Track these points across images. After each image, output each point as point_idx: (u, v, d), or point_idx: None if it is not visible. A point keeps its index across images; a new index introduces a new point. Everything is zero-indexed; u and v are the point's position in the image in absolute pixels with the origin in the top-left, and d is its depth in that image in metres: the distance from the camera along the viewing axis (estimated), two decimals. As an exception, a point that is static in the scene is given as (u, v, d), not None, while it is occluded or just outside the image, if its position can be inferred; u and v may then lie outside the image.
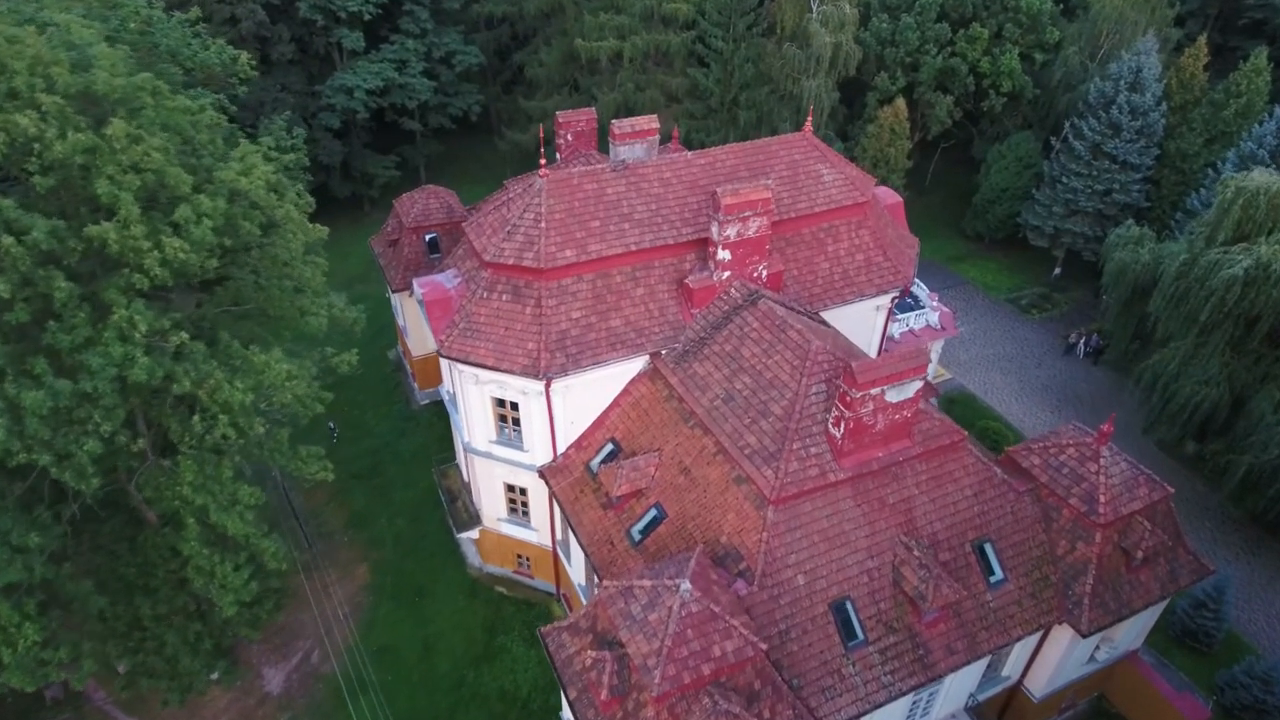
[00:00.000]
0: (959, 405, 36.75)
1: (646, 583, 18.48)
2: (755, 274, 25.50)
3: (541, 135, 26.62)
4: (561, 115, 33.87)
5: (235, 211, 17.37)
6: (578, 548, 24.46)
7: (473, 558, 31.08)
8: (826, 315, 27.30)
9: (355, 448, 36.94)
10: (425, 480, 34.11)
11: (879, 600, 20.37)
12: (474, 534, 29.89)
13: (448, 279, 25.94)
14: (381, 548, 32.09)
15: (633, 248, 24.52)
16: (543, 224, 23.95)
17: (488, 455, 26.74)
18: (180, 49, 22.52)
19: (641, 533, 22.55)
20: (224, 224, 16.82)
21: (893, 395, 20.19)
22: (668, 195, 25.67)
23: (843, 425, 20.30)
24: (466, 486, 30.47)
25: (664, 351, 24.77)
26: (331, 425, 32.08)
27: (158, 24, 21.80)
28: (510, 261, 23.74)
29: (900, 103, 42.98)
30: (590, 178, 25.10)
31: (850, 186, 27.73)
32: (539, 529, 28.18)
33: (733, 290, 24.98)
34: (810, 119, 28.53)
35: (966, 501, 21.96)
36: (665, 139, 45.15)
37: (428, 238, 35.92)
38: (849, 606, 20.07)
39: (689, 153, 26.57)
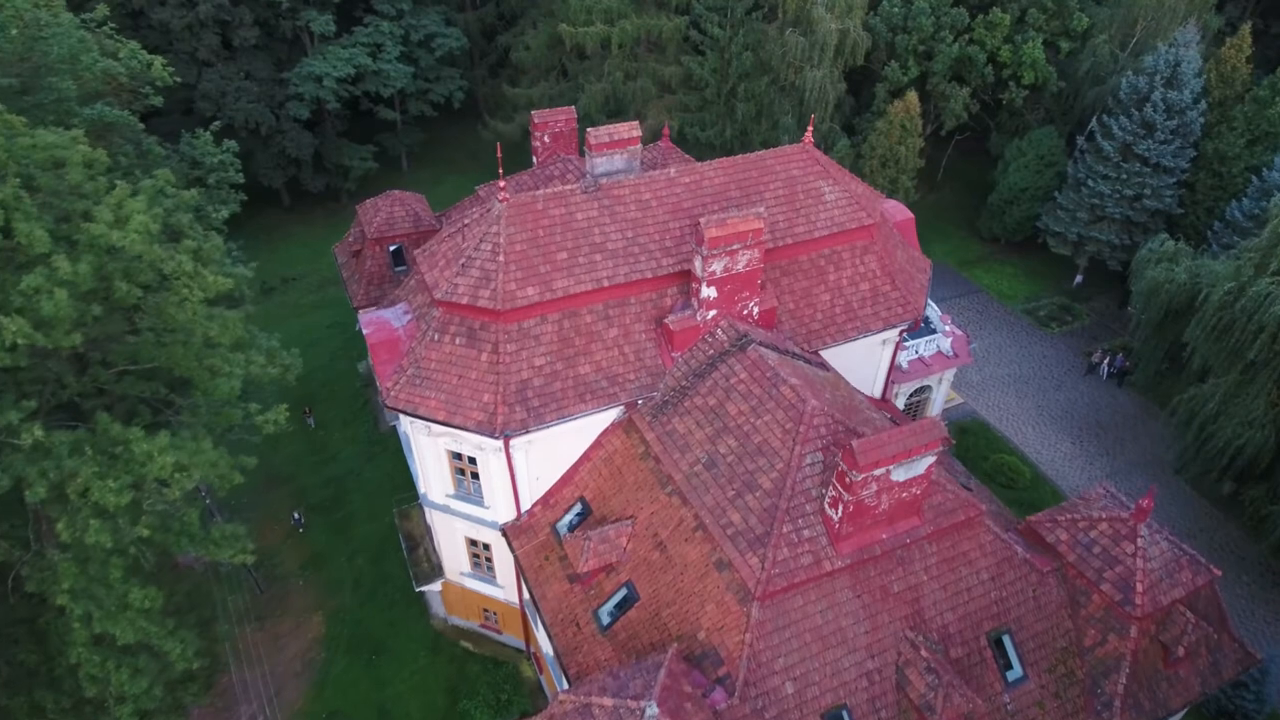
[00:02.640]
0: (970, 434, 33.81)
1: (608, 701, 15.85)
2: (745, 311, 22.48)
3: (500, 153, 23.34)
4: (538, 115, 30.57)
5: (114, 269, 14.43)
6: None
7: (437, 607, 28.53)
8: (827, 353, 24.34)
9: (318, 475, 34.31)
10: (390, 514, 31.45)
11: (880, 708, 17.66)
12: (436, 586, 27.23)
13: (396, 315, 22.98)
14: (339, 593, 29.53)
15: (605, 283, 21.50)
16: (501, 257, 20.92)
17: (446, 509, 24.01)
18: (79, 55, 19.31)
19: (611, 615, 19.84)
20: (95, 286, 13.91)
21: (900, 474, 17.30)
22: (646, 220, 22.57)
23: (841, 507, 17.45)
24: (429, 530, 27.77)
25: (640, 401, 21.85)
26: (297, 515, 29.43)
27: (48, 27, 18.59)
28: (464, 301, 20.76)
29: (912, 97, 39.41)
30: (557, 201, 22.00)
31: (855, 207, 24.57)
32: (505, 586, 25.53)
33: (719, 332, 21.98)
34: (811, 129, 25.27)
35: (982, 587, 19.15)
36: (656, 136, 41.84)
37: (392, 249, 32.83)
38: (845, 718, 17.38)
39: (672, 170, 23.39)
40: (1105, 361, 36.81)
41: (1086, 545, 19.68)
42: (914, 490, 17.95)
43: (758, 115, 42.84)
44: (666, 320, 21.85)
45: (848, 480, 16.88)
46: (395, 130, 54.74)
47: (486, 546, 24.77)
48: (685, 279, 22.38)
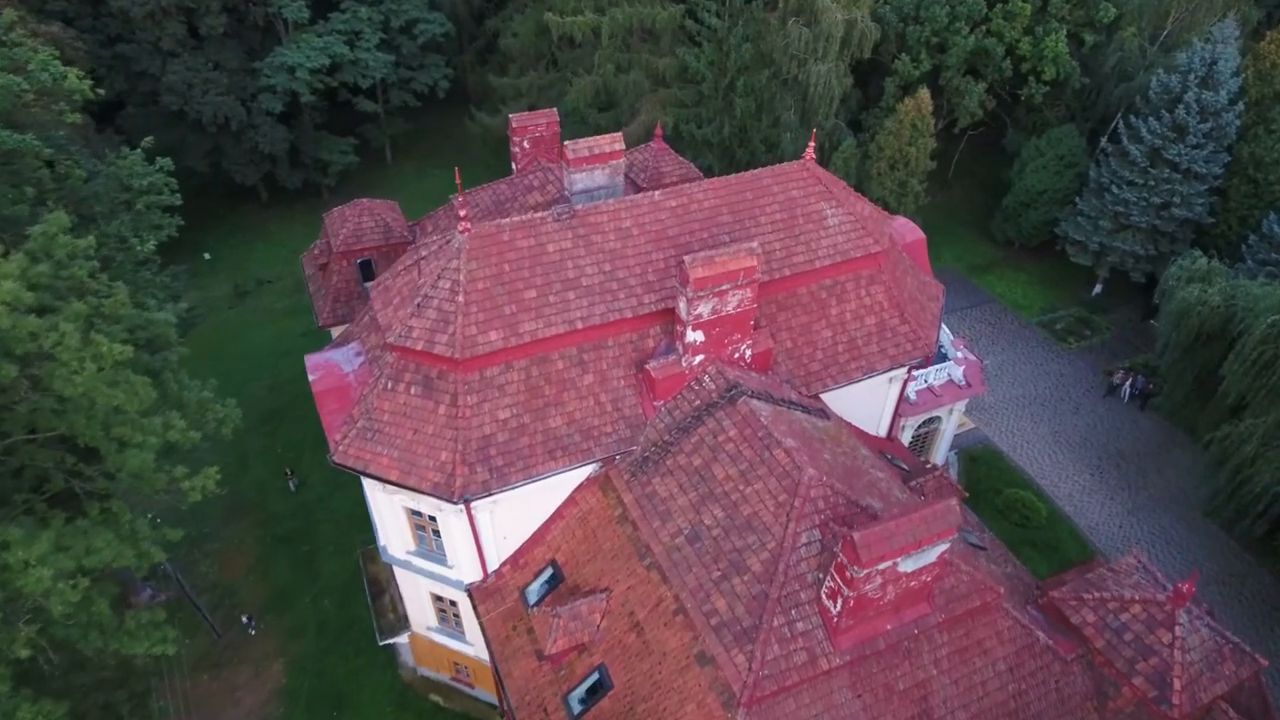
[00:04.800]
0: (982, 464, 31.51)
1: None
2: (736, 355, 20.14)
3: (459, 178, 20.82)
4: (516, 119, 28.09)
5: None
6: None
7: (405, 656, 26.56)
8: (827, 394, 22.04)
9: (285, 503, 32.21)
10: (359, 547, 29.42)
11: (881, 826, 15.60)
12: (403, 638, 25.21)
13: (347, 358, 20.71)
14: (302, 637, 27.55)
15: (579, 324, 19.16)
16: (460, 297, 18.56)
17: (407, 565, 21.91)
18: (-24, 69, 16.85)
19: (582, 702, 17.78)
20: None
21: (908, 565, 15.09)
22: (626, 251, 20.17)
23: (840, 601, 15.26)
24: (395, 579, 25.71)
25: (618, 456, 19.61)
26: (247, 618, 27.18)
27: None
28: (419, 346, 18.45)
29: (923, 94, 36.58)
30: (525, 231, 19.59)
31: (861, 232, 22.10)
32: (475, 643, 23.48)
33: (706, 379, 19.66)
34: (813, 144, 22.72)
35: (999, 679, 17.02)
36: (648, 136, 39.10)
37: (360, 262, 30.44)
38: (842, 838, 15.33)
39: (655, 193, 20.91)
40: (1127, 384, 34.37)
41: (1117, 630, 17.50)
42: (924, 578, 15.75)
43: (758, 111, 40.05)
44: (648, 365, 19.53)
45: (848, 575, 14.68)
46: (378, 121, 52.01)
47: (454, 603, 22.71)
48: (669, 317, 20.03)
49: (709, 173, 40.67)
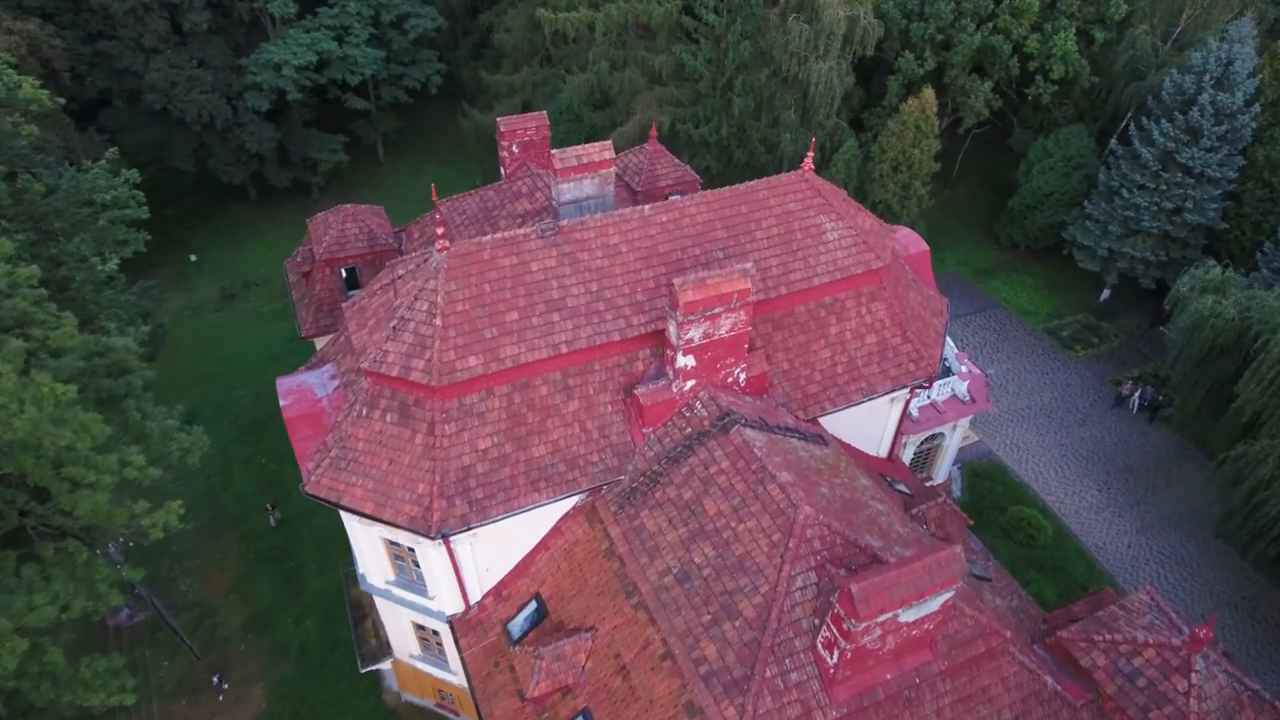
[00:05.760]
0: (986, 480, 30.54)
1: None
2: (730, 379, 19.17)
3: (435, 194, 19.78)
4: (504, 123, 27.08)
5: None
6: (490, 740, 18.84)
7: (390, 681, 25.74)
8: (826, 418, 21.08)
9: (267, 519, 31.29)
10: (342, 566, 28.57)
11: None
12: (385, 665, 24.39)
13: (320, 381, 19.77)
14: (284, 661, 26.72)
15: (564, 349, 18.18)
16: (438, 320, 17.58)
17: (387, 595, 21.03)
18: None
19: (565, 748, 16.91)
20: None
21: (910, 615, 14.18)
22: (615, 269, 19.17)
23: (836, 652, 14.35)
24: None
25: (604, 486, 18.67)
26: (218, 678, 25.89)
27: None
28: (394, 373, 17.48)
29: (927, 95, 35.40)
30: (507, 249, 18.58)
31: (862, 246, 21.06)
32: (459, 672, 22.62)
33: (698, 405, 18.69)
34: (811, 153, 21.63)
35: (1005, 728, 16.12)
36: (643, 135, 38.00)
37: (344, 270, 29.42)
38: None
39: (645, 208, 19.87)
40: (1136, 393, 33.35)
41: (1129, 675, 16.59)
42: (926, 626, 14.84)
43: (757, 110, 38.91)
44: (637, 391, 18.55)
45: (845, 627, 13.76)
46: (369, 118, 50.84)
47: (436, 632, 21.85)
48: (659, 339, 19.05)
49: (706, 174, 39.57)
